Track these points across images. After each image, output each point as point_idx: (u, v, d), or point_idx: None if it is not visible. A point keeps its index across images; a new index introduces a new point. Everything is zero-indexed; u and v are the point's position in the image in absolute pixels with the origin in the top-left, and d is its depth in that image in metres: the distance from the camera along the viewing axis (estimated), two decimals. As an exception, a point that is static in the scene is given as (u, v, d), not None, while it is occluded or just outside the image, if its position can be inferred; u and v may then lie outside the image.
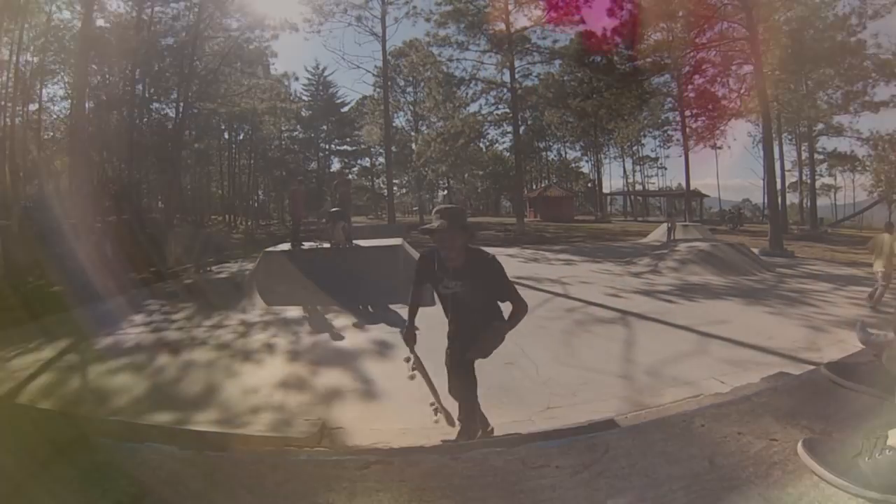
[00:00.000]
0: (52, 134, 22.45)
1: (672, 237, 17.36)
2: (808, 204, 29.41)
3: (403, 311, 5.05)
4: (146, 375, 4.37)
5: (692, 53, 22.58)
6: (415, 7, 23.57)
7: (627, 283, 8.76)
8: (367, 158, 42.28)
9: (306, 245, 8.88)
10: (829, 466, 1.23)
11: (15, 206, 14.99)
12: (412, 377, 2.55)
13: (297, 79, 36.33)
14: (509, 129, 31.65)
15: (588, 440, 1.63)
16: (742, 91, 22.59)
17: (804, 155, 28.71)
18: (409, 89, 35.14)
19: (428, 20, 24.17)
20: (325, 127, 39.36)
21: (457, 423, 2.56)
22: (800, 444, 1.33)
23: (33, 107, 20.18)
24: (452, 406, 2.59)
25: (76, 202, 14.92)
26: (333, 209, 8.55)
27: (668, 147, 37.90)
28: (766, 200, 26.07)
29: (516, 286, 2.38)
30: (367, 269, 7.49)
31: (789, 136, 28.78)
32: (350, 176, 40.81)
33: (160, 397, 3.81)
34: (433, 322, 2.79)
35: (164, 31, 21.22)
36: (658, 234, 19.04)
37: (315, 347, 5.15)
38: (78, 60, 17.64)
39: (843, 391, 1.77)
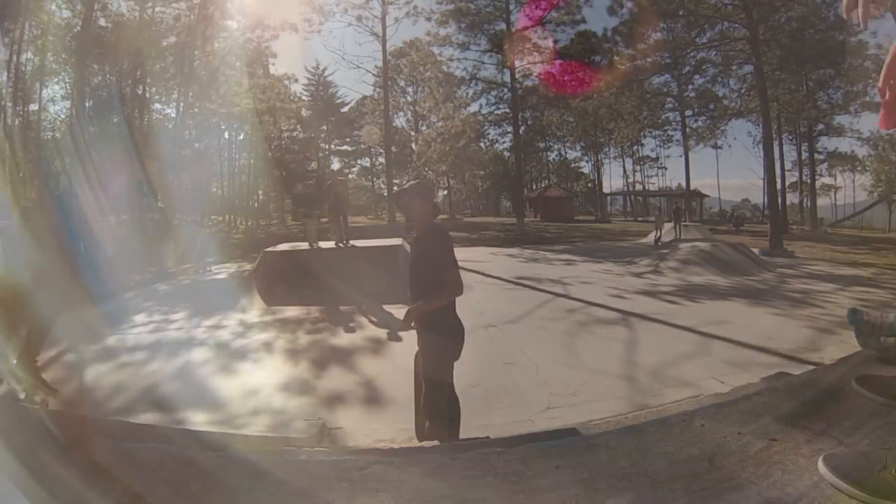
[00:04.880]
0: (52, 134, 22.45)
1: (659, 236, 17.42)
2: (809, 204, 29.40)
3: (402, 311, 5.05)
4: (146, 375, 4.38)
5: (692, 53, 22.59)
6: (415, 7, 23.55)
7: (628, 284, 8.76)
8: (367, 158, 42.30)
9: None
10: (854, 482, 1.20)
11: (15, 206, 14.98)
12: None
13: (296, 80, 36.23)
14: (509, 128, 31.68)
15: (588, 440, 1.63)
16: (742, 91, 22.63)
17: (804, 155, 28.70)
18: (410, 89, 35.16)
19: (429, 19, 24.18)
20: (325, 127, 39.37)
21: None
22: (820, 461, 1.31)
23: (33, 107, 20.20)
24: None
25: (76, 202, 14.90)
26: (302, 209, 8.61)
27: (668, 147, 37.89)
28: (766, 200, 26.08)
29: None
30: (367, 269, 7.50)
31: (789, 136, 28.76)
32: (350, 175, 40.78)
33: (160, 397, 3.81)
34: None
35: (164, 30, 21.23)
36: (657, 233, 19.04)
37: (314, 347, 5.15)
38: (78, 60, 17.67)
39: (843, 391, 1.76)
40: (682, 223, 18.10)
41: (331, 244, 8.73)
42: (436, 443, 2.36)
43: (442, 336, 2.44)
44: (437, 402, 2.46)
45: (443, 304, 2.38)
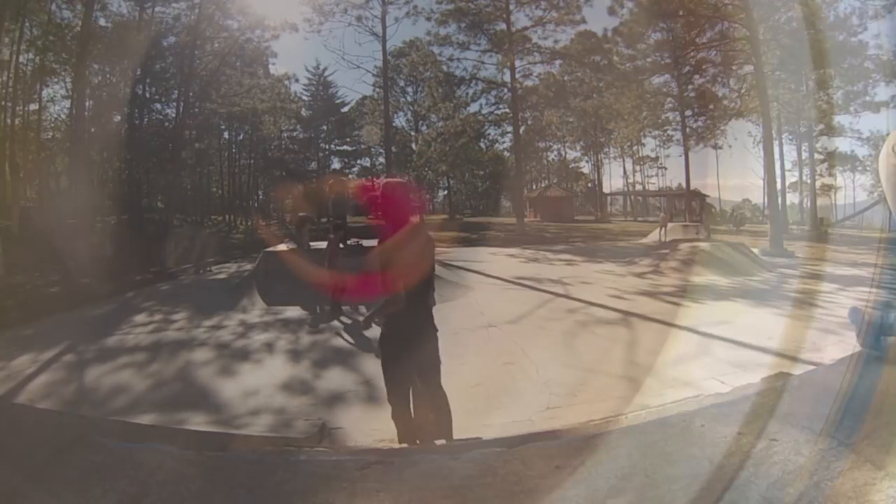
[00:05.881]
0: (52, 134, 22.45)
1: (663, 236, 17.42)
2: (808, 204, 29.37)
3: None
4: (146, 375, 4.37)
5: (692, 53, 22.59)
6: (415, 6, 23.52)
7: (629, 284, 8.75)
8: (367, 158, 42.23)
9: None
10: None
11: (15, 206, 15.00)
12: None
13: (297, 80, 36.17)
14: (509, 128, 31.64)
15: (588, 440, 1.63)
16: (742, 91, 22.62)
17: (804, 155, 28.67)
18: (409, 89, 35.11)
19: (429, 19, 24.14)
20: (325, 127, 39.33)
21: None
22: None
23: (33, 107, 20.19)
24: None
25: (76, 202, 14.93)
26: (301, 213, 8.56)
27: (668, 147, 37.82)
28: (766, 200, 26.06)
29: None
30: (367, 269, 7.47)
31: (789, 136, 28.73)
32: (350, 175, 40.75)
33: (160, 397, 3.81)
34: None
35: (165, 31, 21.22)
36: (660, 233, 19.04)
37: (315, 347, 5.15)
38: (78, 60, 17.67)
39: (842, 392, 1.76)
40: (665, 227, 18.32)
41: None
42: (436, 443, 2.36)
43: (385, 333, 2.53)
44: (388, 396, 2.58)
45: (390, 305, 2.39)
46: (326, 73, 38.48)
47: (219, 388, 4.00)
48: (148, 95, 21.82)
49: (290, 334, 5.63)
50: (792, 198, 30.76)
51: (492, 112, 30.07)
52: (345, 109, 39.29)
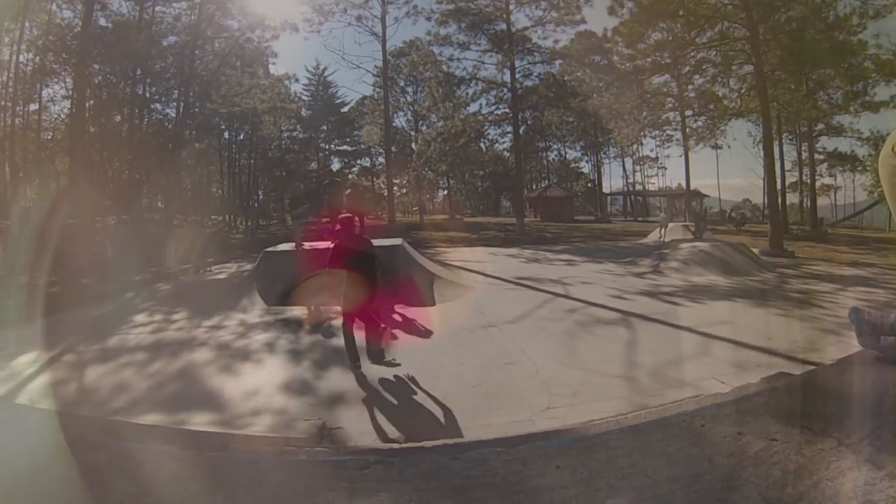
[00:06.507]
0: (52, 134, 22.45)
1: (663, 237, 17.47)
2: (808, 204, 29.36)
3: (403, 310, 5.06)
4: (146, 375, 4.38)
5: (692, 53, 22.59)
6: (415, 6, 23.54)
7: (629, 284, 8.75)
8: (367, 158, 42.24)
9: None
10: None
11: (15, 206, 15.01)
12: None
13: (297, 80, 36.27)
14: (509, 128, 31.68)
15: (588, 440, 1.63)
16: (742, 91, 22.64)
17: (804, 155, 28.67)
18: (409, 89, 35.13)
19: (429, 19, 24.16)
20: (325, 127, 39.34)
21: None
22: None
23: (33, 107, 20.21)
24: None
25: (76, 202, 14.93)
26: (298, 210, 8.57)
27: (668, 147, 37.84)
28: (766, 200, 26.07)
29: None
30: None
31: (789, 136, 28.71)
32: (350, 175, 40.77)
33: (160, 397, 3.81)
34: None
35: (165, 31, 21.24)
36: (661, 233, 19.06)
37: (315, 347, 5.15)
38: (78, 60, 17.67)
39: (842, 392, 1.76)
40: (665, 227, 18.54)
41: (330, 244, 8.73)
42: (436, 442, 2.36)
43: None
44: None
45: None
46: (326, 73, 38.52)
47: (219, 388, 4.00)
48: (148, 95, 21.83)
49: (291, 334, 5.63)
50: (792, 198, 30.74)
51: (492, 112, 30.07)
52: (345, 109, 39.30)
